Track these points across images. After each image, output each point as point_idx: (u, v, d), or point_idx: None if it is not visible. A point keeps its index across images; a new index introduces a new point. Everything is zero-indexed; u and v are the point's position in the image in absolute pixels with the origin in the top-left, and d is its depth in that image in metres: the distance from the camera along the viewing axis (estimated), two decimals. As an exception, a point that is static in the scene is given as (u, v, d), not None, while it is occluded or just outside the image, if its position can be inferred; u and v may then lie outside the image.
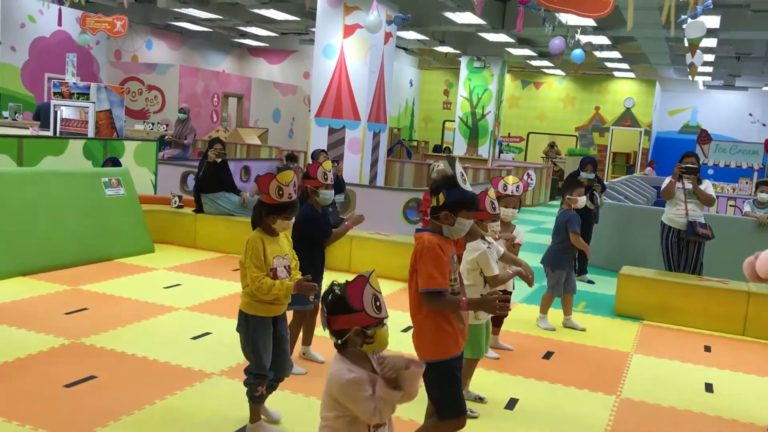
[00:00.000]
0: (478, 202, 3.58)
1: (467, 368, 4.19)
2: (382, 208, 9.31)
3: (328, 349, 4.47)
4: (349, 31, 11.10)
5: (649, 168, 19.65)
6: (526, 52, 18.39)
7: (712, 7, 8.30)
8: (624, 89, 23.94)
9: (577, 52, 12.24)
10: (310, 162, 8.40)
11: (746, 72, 19.33)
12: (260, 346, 3.53)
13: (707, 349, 5.83)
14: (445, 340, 3.03)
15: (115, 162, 8.69)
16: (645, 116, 23.47)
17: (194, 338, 5.10)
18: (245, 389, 3.61)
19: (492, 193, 3.98)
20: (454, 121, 20.67)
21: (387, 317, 2.38)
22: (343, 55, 11.12)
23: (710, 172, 15.56)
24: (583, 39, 12.32)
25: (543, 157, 22.11)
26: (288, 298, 3.57)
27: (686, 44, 14.62)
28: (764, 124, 23.99)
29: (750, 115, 24.55)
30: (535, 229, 12.23)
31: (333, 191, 4.63)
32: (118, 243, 7.52)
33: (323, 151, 8.36)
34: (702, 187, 6.85)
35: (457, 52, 19.02)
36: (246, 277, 3.50)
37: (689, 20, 8.73)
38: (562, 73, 24.10)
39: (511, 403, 4.33)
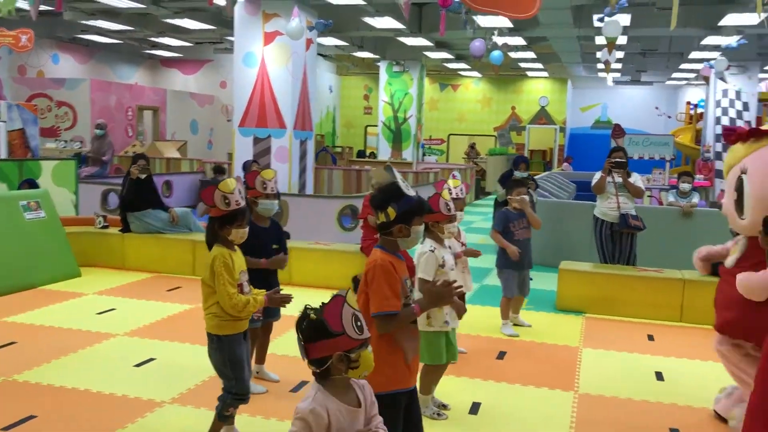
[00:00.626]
0: (428, 204, 3.51)
1: (427, 373, 4.13)
2: (316, 216, 9.16)
3: (281, 368, 4.32)
4: (269, 38, 10.90)
5: (566, 164, 20.22)
6: (444, 55, 18.59)
7: (627, 5, 8.60)
8: (538, 88, 24.58)
9: (496, 53, 12.45)
10: (243, 173, 8.18)
11: (651, 67, 20.17)
12: (240, 364, 3.43)
13: (650, 338, 5.98)
14: (385, 372, 2.77)
15: (32, 184, 8.22)
16: (559, 114, 24.16)
17: (138, 365, 4.84)
18: (216, 405, 3.50)
19: (446, 194, 3.92)
20: (376, 126, 20.69)
21: (370, 337, 2.22)
22: (264, 63, 10.91)
23: (626, 164, 16.10)
24: (500, 40, 12.52)
25: (464, 158, 22.42)
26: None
27: (597, 42, 15.18)
28: (669, 117, 25.13)
29: (656, 108, 25.69)
30: (465, 229, 12.32)
31: (276, 201, 4.45)
32: (41, 269, 7.09)
33: (254, 161, 8.16)
34: (631, 180, 7.06)
35: (376, 56, 19.05)
36: (211, 296, 3.36)
37: (606, 18, 9.02)
38: (479, 75, 24.52)
39: (475, 407, 4.29)
